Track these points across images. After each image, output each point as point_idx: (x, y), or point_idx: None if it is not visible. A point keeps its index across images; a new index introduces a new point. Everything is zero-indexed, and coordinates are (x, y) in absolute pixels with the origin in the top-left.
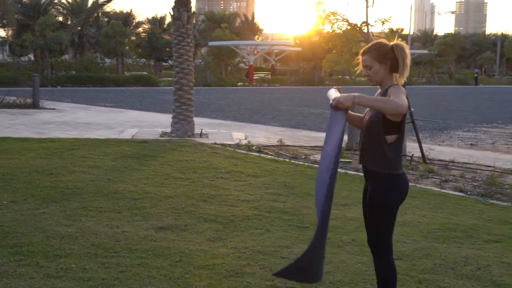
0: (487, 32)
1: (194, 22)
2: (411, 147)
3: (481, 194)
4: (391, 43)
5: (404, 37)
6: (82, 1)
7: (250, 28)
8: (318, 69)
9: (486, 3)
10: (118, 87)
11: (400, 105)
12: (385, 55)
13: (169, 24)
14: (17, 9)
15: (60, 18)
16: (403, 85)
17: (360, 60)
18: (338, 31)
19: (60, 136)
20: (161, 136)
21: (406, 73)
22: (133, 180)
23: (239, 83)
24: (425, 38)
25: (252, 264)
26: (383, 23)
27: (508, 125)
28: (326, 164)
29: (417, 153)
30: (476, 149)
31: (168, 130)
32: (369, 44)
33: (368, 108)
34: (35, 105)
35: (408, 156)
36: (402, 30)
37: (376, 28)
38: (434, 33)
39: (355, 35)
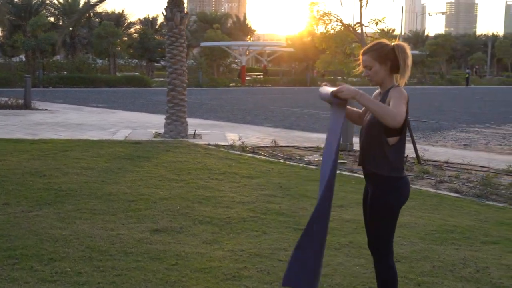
0: (478, 32)
1: (186, 22)
2: (405, 148)
3: (476, 195)
4: (392, 44)
5: (395, 38)
6: (74, 1)
7: (242, 29)
8: (310, 70)
9: (476, 4)
10: (110, 88)
11: (397, 120)
12: (386, 55)
13: (161, 24)
14: (9, 10)
15: (52, 19)
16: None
17: (360, 60)
18: (332, 31)
19: (53, 137)
20: (154, 137)
21: (407, 74)
22: (127, 181)
23: (232, 84)
24: (416, 38)
25: (249, 267)
26: (376, 23)
27: (501, 126)
28: (328, 152)
29: (412, 154)
30: (470, 150)
31: (161, 131)
32: (370, 44)
33: None
34: (27, 106)
35: None
36: (393, 31)
37: (369, 29)
38: (425, 33)
39: (348, 35)
